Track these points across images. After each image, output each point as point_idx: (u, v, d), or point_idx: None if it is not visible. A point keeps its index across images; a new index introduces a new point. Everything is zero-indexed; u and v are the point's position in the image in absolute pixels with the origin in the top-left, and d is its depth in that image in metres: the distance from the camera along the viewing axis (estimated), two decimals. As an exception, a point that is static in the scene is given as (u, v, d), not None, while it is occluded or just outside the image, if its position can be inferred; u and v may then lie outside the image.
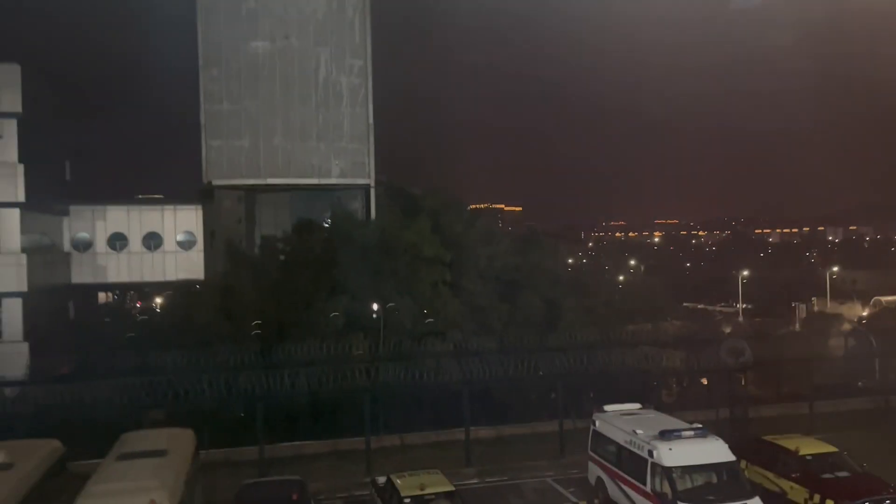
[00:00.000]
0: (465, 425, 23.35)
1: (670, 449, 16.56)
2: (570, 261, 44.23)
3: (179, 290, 33.84)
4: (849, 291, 62.39)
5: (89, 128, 35.07)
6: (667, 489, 16.15)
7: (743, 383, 26.64)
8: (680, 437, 16.97)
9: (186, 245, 35.22)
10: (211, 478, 19.54)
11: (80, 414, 20.77)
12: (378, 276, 29.80)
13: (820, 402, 26.40)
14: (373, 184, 38.04)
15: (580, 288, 35.29)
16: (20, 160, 27.51)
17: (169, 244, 34.94)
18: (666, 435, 16.99)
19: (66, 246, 33.52)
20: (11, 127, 27.37)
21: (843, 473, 17.86)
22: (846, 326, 41.83)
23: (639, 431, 17.75)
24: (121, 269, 33.96)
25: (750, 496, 16.35)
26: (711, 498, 16.16)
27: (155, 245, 34.79)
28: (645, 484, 16.88)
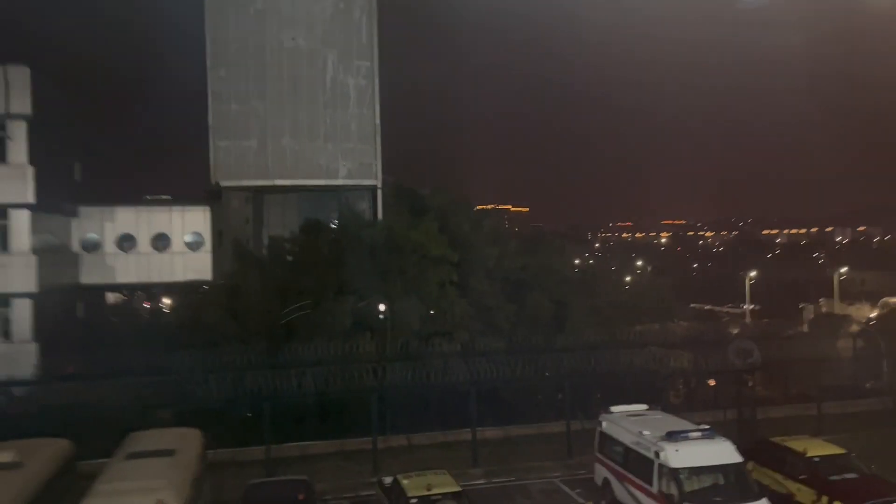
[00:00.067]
0: (472, 426, 23.38)
1: (677, 450, 16.55)
2: (577, 261, 44.16)
3: (187, 291, 33.96)
4: (857, 292, 62.07)
5: (98, 129, 35.21)
6: (673, 490, 16.14)
7: (750, 384, 26.56)
8: (687, 439, 16.95)
9: (194, 246, 35.34)
10: (218, 477, 19.65)
11: (89, 413, 20.89)
12: (385, 276, 29.85)
13: (828, 404, 26.34)
14: (380, 184, 38.08)
15: (587, 288, 35.27)
16: (30, 162, 27.65)
17: (177, 245, 35.05)
18: (673, 436, 16.98)
19: (75, 247, 33.68)
20: (21, 128, 27.51)
21: (851, 475, 17.80)
22: (854, 327, 41.66)
23: (646, 432, 17.74)
24: (129, 269, 34.10)
25: (757, 498, 16.32)
26: (718, 499, 16.15)
27: (163, 246, 34.92)
28: (651, 485, 16.87)
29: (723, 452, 16.88)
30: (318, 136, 37.21)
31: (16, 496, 14.19)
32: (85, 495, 14.32)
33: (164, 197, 40.34)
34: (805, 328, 44.96)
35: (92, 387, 22.28)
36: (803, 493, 17.86)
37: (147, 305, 38.86)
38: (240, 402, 22.77)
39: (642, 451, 17.46)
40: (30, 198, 27.41)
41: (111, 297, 38.34)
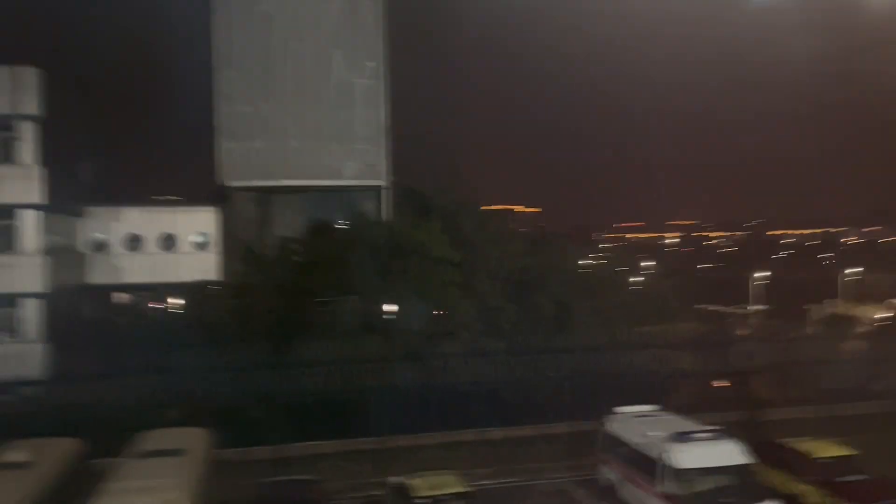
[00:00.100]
0: (477, 426, 23.43)
1: (683, 451, 16.57)
2: (582, 261, 44.08)
3: (194, 291, 34.08)
4: (864, 293, 61.74)
5: (105, 129, 35.32)
6: (679, 492, 16.15)
7: (757, 385, 26.53)
8: (693, 439, 16.97)
9: (201, 246, 35.46)
10: (225, 477, 19.72)
11: (98, 413, 21.02)
12: (389, 277, 29.92)
13: (835, 405, 26.26)
14: (386, 185, 38.16)
15: (592, 289, 35.21)
16: (38, 162, 27.81)
17: (184, 245, 35.18)
18: (679, 437, 17.00)
19: (83, 247, 33.85)
20: (30, 129, 27.67)
21: (860, 476, 17.77)
22: (861, 328, 41.51)
23: (651, 433, 17.77)
24: (137, 270, 34.21)
25: (764, 499, 16.32)
26: (725, 501, 16.14)
27: (170, 246, 35.04)
28: (657, 486, 16.88)
29: (730, 453, 16.86)
30: (325, 137, 37.31)
31: (27, 495, 14.32)
32: (94, 494, 14.43)
33: (171, 198, 40.48)
34: (811, 329, 44.80)
35: (101, 386, 22.42)
36: (811, 494, 17.83)
37: (154, 305, 38.94)
38: (247, 401, 22.87)
39: (648, 452, 17.48)
40: (38, 198, 27.55)
41: (118, 297, 38.46)
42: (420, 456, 22.87)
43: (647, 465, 17.45)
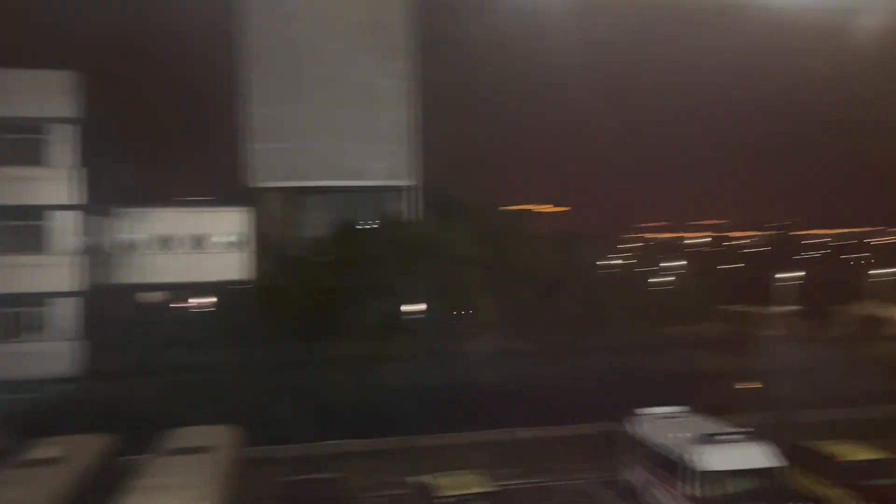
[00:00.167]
0: (502, 426, 23.45)
1: (709, 453, 16.41)
2: (609, 261, 43.85)
3: (224, 291, 34.54)
4: (894, 294, 60.42)
5: (137, 131, 35.93)
6: (705, 494, 16.01)
7: (784, 387, 26.17)
8: (720, 441, 16.79)
9: (232, 246, 35.92)
10: (253, 474, 19.98)
11: (129, 410, 21.41)
12: (418, 277, 30.05)
13: (865, 407, 25.81)
14: (413, 185, 38.31)
15: (618, 289, 35.03)
16: (74, 164, 28.39)
17: (214, 245, 35.66)
18: (705, 438, 16.84)
19: (117, 247, 34.48)
20: (67, 132, 28.28)
21: (890, 480, 17.47)
22: (891, 329, 40.69)
23: (678, 434, 17.63)
24: (169, 269, 34.75)
25: (793, 503, 16.12)
26: (752, 504, 15.98)
27: (202, 246, 35.54)
28: (682, 489, 16.75)
29: (759, 456, 16.61)
30: (352, 138, 37.54)
31: (60, 490, 14.67)
32: (124, 491, 14.73)
33: (202, 198, 41.02)
34: (843, 329, 44.03)
35: (131, 384, 22.85)
36: (840, 498, 17.57)
37: (184, 305, 39.54)
38: (275, 399, 23.13)
39: (674, 454, 17.34)
40: (74, 199, 28.11)
41: (150, 297, 39.12)
42: (445, 455, 22.95)
43: (672, 468, 17.31)
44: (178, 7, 33.20)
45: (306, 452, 22.38)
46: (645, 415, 19.83)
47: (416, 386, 23.66)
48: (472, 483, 17.01)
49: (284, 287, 30.00)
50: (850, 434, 22.03)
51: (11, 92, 27.65)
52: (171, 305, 37.60)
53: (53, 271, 28.03)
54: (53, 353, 27.26)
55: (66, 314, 28.16)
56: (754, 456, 16.64)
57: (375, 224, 35.78)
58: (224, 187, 39.29)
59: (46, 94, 28.12)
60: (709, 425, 18.50)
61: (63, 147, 28.33)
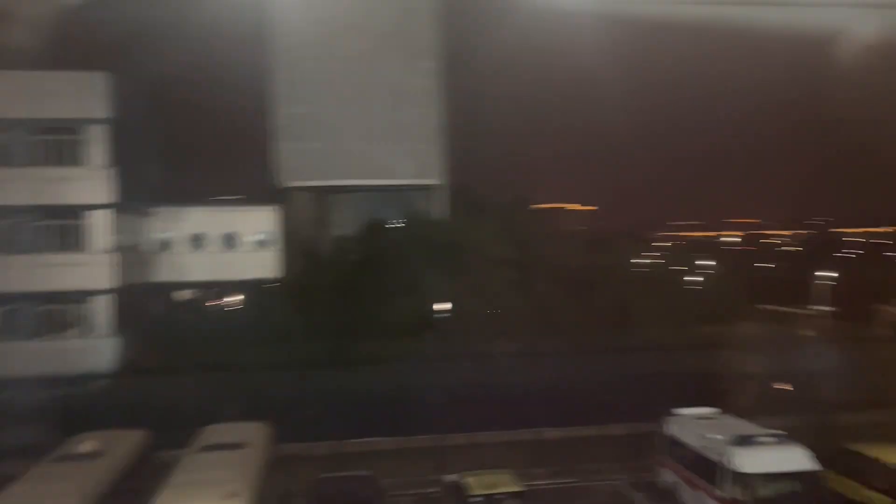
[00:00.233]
0: (535, 425, 23.30)
1: (748, 455, 16.12)
2: (641, 260, 43.38)
3: (255, 289, 34.80)
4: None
5: (171, 131, 36.37)
6: (742, 497, 15.72)
7: (826, 388, 25.61)
8: (759, 443, 16.50)
9: (262, 244, 36.19)
10: (285, 471, 20.08)
11: (165, 406, 21.64)
12: (447, 276, 29.99)
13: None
14: (442, 184, 38.29)
15: (652, 288, 34.62)
16: (108, 164, 28.80)
17: (245, 244, 35.96)
18: (744, 440, 16.56)
19: (150, 245, 34.93)
20: (101, 132, 28.69)
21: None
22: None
23: (715, 436, 17.35)
24: (201, 267, 35.12)
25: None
26: (791, 508, 15.66)
27: (233, 244, 35.86)
28: (721, 490, 16.48)
29: (797, 459, 16.34)
30: (382, 137, 37.64)
31: (97, 485, 14.86)
32: (159, 486, 14.88)
33: (233, 197, 41.41)
34: (881, 330, 43.09)
35: (166, 381, 23.09)
36: (882, 502, 17.15)
37: (217, 303, 39.95)
38: (307, 397, 23.22)
39: (711, 455, 17.07)
40: (109, 198, 28.51)
41: (182, 295, 39.59)
42: (476, 455, 22.87)
43: (708, 469, 17.05)
44: (209, 8, 33.52)
45: (336, 450, 22.44)
46: (680, 416, 19.54)
47: (445, 385, 23.58)
48: (503, 482, 16.92)
49: (314, 285, 30.14)
50: (892, 437, 21.52)
51: (47, 93, 28.13)
52: (204, 303, 37.98)
53: (89, 270, 28.46)
54: (89, 350, 27.70)
55: (101, 312, 28.58)
56: (793, 459, 16.35)
57: (403, 223, 35.80)
58: (254, 186, 39.63)
59: (81, 96, 28.54)
60: (744, 427, 18.19)
61: (97, 147, 28.74)
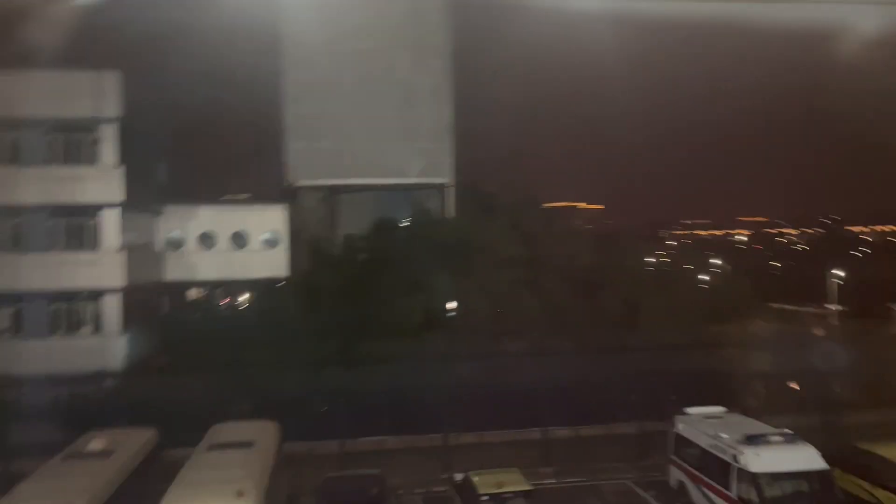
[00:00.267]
0: (543, 424, 23.27)
1: (758, 454, 16.05)
2: (650, 259, 43.26)
3: (264, 288, 34.91)
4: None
5: (181, 130, 36.53)
6: (754, 496, 15.65)
7: (835, 387, 25.47)
8: (768, 443, 16.42)
9: (271, 244, 36.29)
10: (294, 470, 20.14)
11: (174, 405, 21.73)
12: (455, 275, 29.98)
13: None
14: (451, 183, 38.29)
15: (661, 287, 34.50)
16: (118, 163, 28.94)
17: (254, 243, 36.07)
18: (753, 440, 16.48)
19: (160, 244, 35.08)
20: (111, 131, 28.83)
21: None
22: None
23: (724, 435, 17.28)
24: (210, 266, 35.25)
25: (843, 507, 15.68)
26: (801, 507, 15.58)
27: (241, 244, 35.97)
28: (730, 490, 16.41)
29: (806, 458, 16.26)
30: (390, 136, 37.69)
31: (107, 482, 14.94)
32: (171, 483, 14.94)
33: (242, 196, 41.55)
34: (894, 329, 42.80)
35: (175, 379, 23.20)
36: (892, 501, 17.03)
37: (226, 301, 40.10)
38: (315, 396, 23.27)
39: (720, 455, 17.00)
40: (119, 197, 28.63)
41: (193, 293, 39.76)
42: (485, 453, 22.87)
43: (719, 469, 16.99)
44: (219, 8, 33.60)
45: (345, 449, 22.49)
46: (690, 415, 19.47)
47: (456, 384, 23.59)
48: (512, 481, 16.88)
49: (322, 284, 30.18)
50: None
51: (58, 93, 28.27)
52: (214, 302, 38.12)
53: (99, 268, 28.61)
54: (99, 349, 27.83)
55: (111, 310, 28.72)
56: (802, 458, 16.27)
57: (412, 222, 35.82)
58: (263, 186, 39.77)
59: (92, 94, 28.65)
60: (753, 426, 18.11)
61: (109, 146, 28.87)
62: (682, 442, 19.09)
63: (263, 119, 39.27)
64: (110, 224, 28.83)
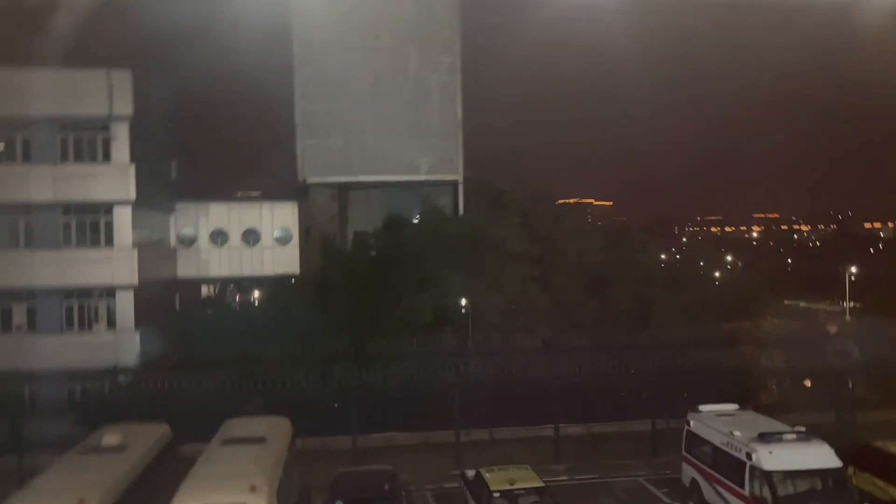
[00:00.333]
0: (555, 421, 23.23)
1: (771, 452, 15.92)
2: (662, 256, 43.09)
3: (276, 284, 35.05)
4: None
5: (192, 128, 36.72)
6: (767, 494, 15.54)
7: (850, 385, 25.24)
8: (781, 441, 16.29)
9: (283, 240, 36.43)
10: (306, 465, 20.21)
11: (187, 400, 21.87)
12: (466, 271, 29.96)
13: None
14: (461, 179, 38.26)
15: (673, 284, 34.35)
16: (131, 160, 29.10)
17: (266, 240, 36.24)
18: (766, 437, 16.35)
19: (173, 241, 35.28)
20: (123, 129, 28.99)
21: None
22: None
23: (737, 433, 17.16)
24: (222, 263, 35.47)
25: (858, 505, 15.56)
26: (815, 506, 15.46)
27: (253, 240, 36.15)
28: (743, 488, 16.31)
29: (820, 456, 16.12)
30: (401, 133, 37.71)
31: (120, 477, 15.04)
32: (184, 478, 15.02)
33: (254, 193, 41.72)
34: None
35: (188, 375, 23.32)
36: (908, 500, 16.90)
37: (239, 298, 40.34)
38: (327, 392, 23.34)
39: (733, 453, 16.89)
40: (132, 195, 28.81)
41: (205, 290, 39.97)
42: (497, 450, 22.87)
43: (731, 466, 16.88)
44: (231, 7, 33.72)
45: (359, 445, 22.54)
46: (703, 412, 19.36)
47: (468, 380, 23.58)
48: (523, 477, 16.85)
49: (333, 281, 30.26)
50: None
51: (72, 91, 28.46)
52: (226, 299, 38.33)
53: (113, 265, 28.83)
54: (113, 345, 28.05)
55: (125, 307, 28.92)
56: (816, 456, 16.12)
57: (423, 218, 35.84)
58: (275, 182, 39.91)
59: (105, 93, 28.83)
60: (767, 424, 17.99)
61: (122, 144, 29.04)
62: (695, 439, 18.99)
63: (274, 116, 39.38)
64: (123, 221, 29.02)
